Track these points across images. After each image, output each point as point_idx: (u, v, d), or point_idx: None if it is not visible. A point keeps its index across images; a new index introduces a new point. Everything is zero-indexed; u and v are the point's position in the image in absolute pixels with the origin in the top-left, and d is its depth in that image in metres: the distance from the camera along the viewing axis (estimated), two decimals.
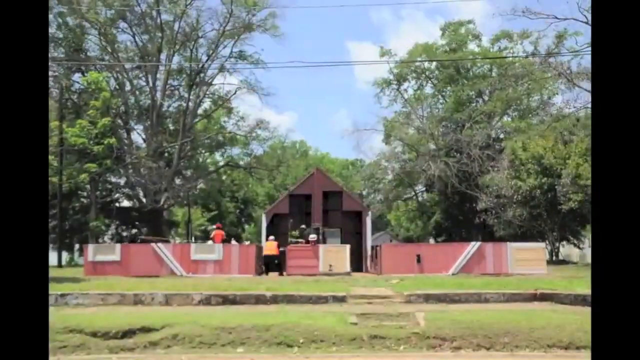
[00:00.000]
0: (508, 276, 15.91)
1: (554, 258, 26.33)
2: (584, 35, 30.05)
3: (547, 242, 26.70)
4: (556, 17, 24.77)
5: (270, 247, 18.09)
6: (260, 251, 18.22)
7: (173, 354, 7.45)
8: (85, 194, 32.33)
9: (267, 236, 19.12)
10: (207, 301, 10.82)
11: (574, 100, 26.79)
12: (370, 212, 21.42)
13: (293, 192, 21.29)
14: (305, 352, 7.41)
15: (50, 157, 15.92)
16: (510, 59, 36.29)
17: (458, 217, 37.83)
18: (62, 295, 10.91)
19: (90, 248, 17.65)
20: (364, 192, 48.04)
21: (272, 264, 17.91)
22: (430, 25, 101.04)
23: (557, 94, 36.36)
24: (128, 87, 34.19)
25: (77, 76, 32.42)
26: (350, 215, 21.01)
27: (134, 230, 35.53)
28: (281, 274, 17.36)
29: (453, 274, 16.66)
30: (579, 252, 34.09)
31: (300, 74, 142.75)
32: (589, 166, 21.06)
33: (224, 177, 43.84)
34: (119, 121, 32.27)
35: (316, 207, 20.48)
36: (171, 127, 36.67)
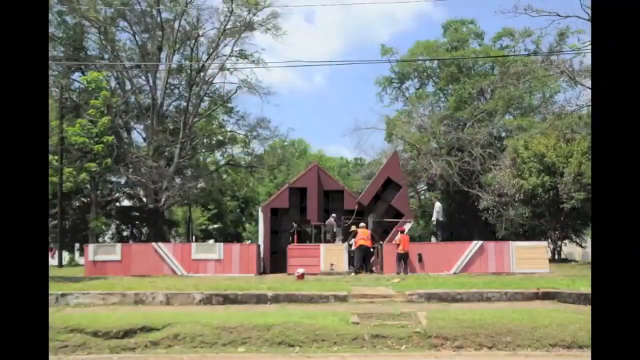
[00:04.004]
0: (510, 275, 15.88)
1: (556, 257, 26.26)
2: (586, 33, 29.96)
3: (550, 241, 26.60)
4: (558, 15, 24.64)
5: (365, 235, 16.56)
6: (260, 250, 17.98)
7: (174, 353, 7.44)
8: (85, 193, 32.33)
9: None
10: (208, 300, 10.81)
11: (576, 98, 26.80)
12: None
13: (293, 185, 20.69)
14: (307, 352, 7.38)
15: (50, 157, 15.88)
16: (512, 57, 36.19)
17: (460, 216, 37.75)
18: (63, 295, 10.91)
19: (91, 247, 17.64)
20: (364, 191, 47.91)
21: (368, 256, 16.26)
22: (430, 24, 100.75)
23: (559, 92, 36.29)
24: (128, 86, 34.16)
25: (76, 75, 32.43)
26: (351, 214, 20.88)
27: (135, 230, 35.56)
28: (370, 271, 16.17)
29: (455, 273, 16.63)
30: (582, 250, 34.02)
31: (300, 73, 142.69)
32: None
33: (224, 176, 43.81)
34: (119, 120, 32.23)
35: (317, 206, 20.31)
36: (171, 127, 36.64)
